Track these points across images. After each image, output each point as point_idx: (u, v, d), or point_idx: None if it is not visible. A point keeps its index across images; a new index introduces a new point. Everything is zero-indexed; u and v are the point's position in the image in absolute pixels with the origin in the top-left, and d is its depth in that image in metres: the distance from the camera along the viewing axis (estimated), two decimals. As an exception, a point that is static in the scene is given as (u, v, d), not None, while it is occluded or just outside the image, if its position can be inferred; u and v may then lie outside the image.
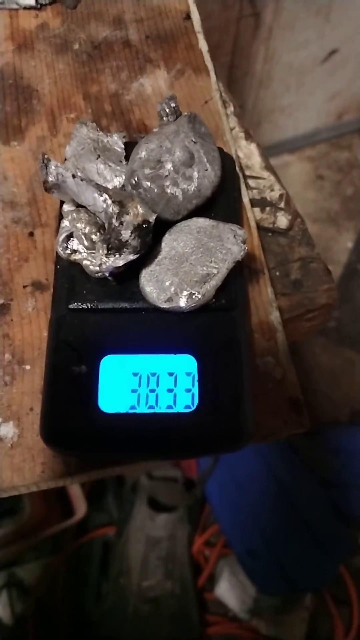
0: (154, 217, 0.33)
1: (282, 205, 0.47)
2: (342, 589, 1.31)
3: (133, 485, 1.33)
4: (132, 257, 0.33)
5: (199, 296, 0.34)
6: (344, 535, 1.28)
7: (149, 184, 0.34)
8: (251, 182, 0.48)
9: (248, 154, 0.49)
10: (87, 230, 0.34)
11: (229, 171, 0.40)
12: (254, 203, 0.47)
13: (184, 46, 0.49)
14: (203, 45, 0.49)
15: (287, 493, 1.25)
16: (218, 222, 0.36)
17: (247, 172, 0.48)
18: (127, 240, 0.32)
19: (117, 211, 0.32)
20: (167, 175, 0.35)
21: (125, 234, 0.32)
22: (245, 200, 0.44)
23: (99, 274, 0.34)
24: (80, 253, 0.34)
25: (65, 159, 0.38)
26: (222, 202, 0.39)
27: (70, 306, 0.35)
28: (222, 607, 1.29)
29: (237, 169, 0.44)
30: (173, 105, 0.37)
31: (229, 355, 0.34)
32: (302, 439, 1.40)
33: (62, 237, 0.35)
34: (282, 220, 0.47)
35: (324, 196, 1.65)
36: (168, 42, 0.49)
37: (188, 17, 0.51)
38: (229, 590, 1.27)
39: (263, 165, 0.49)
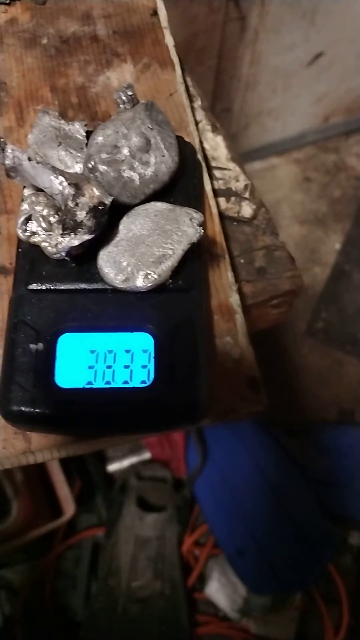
0: (110, 200, 0.35)
1: (246, 195, 0.49)
2: (332, 588, 1.31)
3: (122, 485, 1.33)
4: (87, 237, 0.34)
5: (155, 276, 0.35)
6: (332, 534, 1.29)
7: (105, 167, 0.36)
8: (217, 173, 0.49)
9: (214, 145, 0.50)
10: (45, 213, 0.35)
11: (190, 159, 0.42)
12: (219, 193, 0.49)
13: (151, 41, 0.50)
14: (169, 40, 0.50)
15: (276, 492, 1.25)
16: (175, 206, 0.38)
17: (213, 164, 0.50)
18: (82, 221, 0.33)
19: (73, 193, 0.34)
20: (123, 160, 0.36)
21: (81, 215, 0.33)
22: (208, 188, 0.45)
23: (57, 255, 0.35)
24: (39, 235, 0.35)
25: (28, 147, 0.39)
26: (181, 188, 0.40)
27: (30, 287, 0.36)
28: (212, 607, 1.29)
29: (200, 158, 0.46)
30: (130, 93, 0.38)
31: (184, 334, 0.35)
32: (291, 438, 1.41)
33: (21, 219, 0.36)
34: (247, 210, 0.48)
35: (312, 198, 1.66)
36: (135, 37, 0.50)
37: (155, 13, 0.52)
38: (219, 590, 1.27)
39: (229, 157, 0.50)
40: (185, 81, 0.51)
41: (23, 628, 1.21)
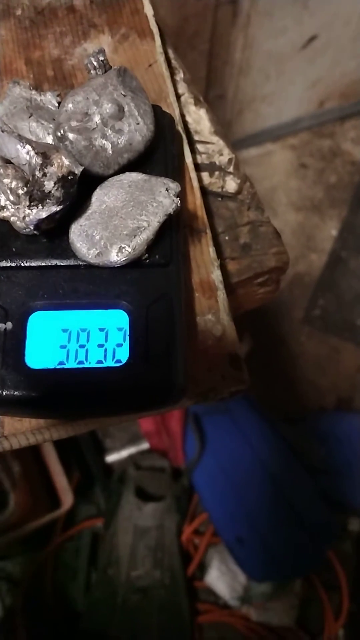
0: (80, 169, 0.32)
1: (231, 169, 0.46)
2: (332, 575, 1.31)
3: (120, 476, 1.32)
4: (55, 208, 0.32)
5: (129, 250, 0.33)
6: (331, 521, 1.28)
7: (75, 136, 0.33)
8: (200, 147, 0.47)
9: (197, 119, 0.48)
10: (13, 186, 0.33)
11: (168, 129, 0.39)
12: (202, 167, 0.46)
13: (129, 11, 0.48)
14: (148, 9, 0.48)
15: (275, 480, 1.24)
16: (151, 176, 0.35)
17: (196, 137, 0.47)
18: (50, 192, 0.31)
19: (41, 162, 0.31)
20: (95, 128, 0.34)
21: (49, 185, 0.31)
22: (189, 160, 0.43)
23: (27, 230, 0.33)
24: (7, 209, 0.33)
25: (-2, 119, 0.37)
26: (159, 158, 0.38)
27: None
28: (213, 595, 1.29)
29: (181, 130, 0.43)
30: (101, 58, 0.36)
31: (162, 311, 0.33)
32: (289, 426, 1.39)
33: (-12, 193, 0.34)
34: (231, 184, 0.46)
35: (308, 184, 1.64)
36: (113, 7, 0.48)
37: (134, -18, 0.50)
38: (219, 578, 1.27)
39: (212, 130, 0.48)
40: (166, 52, 0.48)
41: (23, 619, 1.20)
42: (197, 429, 1.27)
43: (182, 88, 0.49)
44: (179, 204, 0.34)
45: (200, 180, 0.45)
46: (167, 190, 0.34)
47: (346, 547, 1.35)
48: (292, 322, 1.52)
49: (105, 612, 1.22)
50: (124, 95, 0.35)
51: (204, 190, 0.45)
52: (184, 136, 0.43)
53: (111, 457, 1.38)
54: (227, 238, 0.45)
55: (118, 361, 0.32)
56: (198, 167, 0.46)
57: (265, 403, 1.40)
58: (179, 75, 0.49)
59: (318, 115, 1.68)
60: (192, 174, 0.42)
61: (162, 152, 0.38)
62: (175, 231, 0.36)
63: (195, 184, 0.42)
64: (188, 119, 0.48)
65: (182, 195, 0.36)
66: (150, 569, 1.26)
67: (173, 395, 0.32)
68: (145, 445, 1.38)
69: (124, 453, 1.38)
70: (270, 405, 1.40)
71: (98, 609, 1.22)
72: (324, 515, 1.27)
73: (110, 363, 0.32)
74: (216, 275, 0.39)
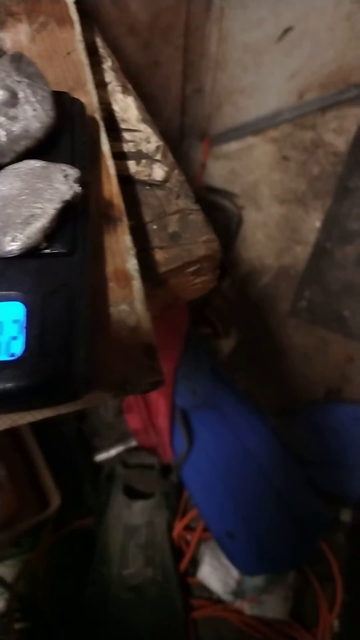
0: (-31, 158, 0.31)
1: (158, 157, 0.45)
2: (325, 566, 1.30)
3: (108, 474, 1.31)
4: None
5: (23, 238, 0.31)
6: (322, 513, 1.27)
7: None
8: (127, 135, 0.46)
9: (124, 107, 0.47)
10: None
11: (78, 116, 0.38)
12: (129, 156, 0.45)
13: (50, -1, 0.47)
14: (69, -3, 0.47)
15: (265, 473, 1.23)
16: (50, 163, 0.34)
17: (123, 125, 0.46)
18: None
19: None
20: (-15, 115, 0.33)
21: None
22: (106, 148, 0.41)
23: None
24: None
25: None
26: (64, 145, 0.36)
27: None
28: (206, 590, 1.27)
29: (98, 117, 0.42)
30: (-6, 43, 0.34)
31: (62, 302, 0.32)
32: (279, 419, 1.38)
33: None
34: (158, 172, 0.44)
35: (290, 177, 1.62)
36: (33, -4, 0.47)
37: (55, -31, 0.48)
38: (211, 573, 1.26)
39: (140, 118, 0.46)
40: (92, 41, 0.47)
41: (17, 621, 1.20)
42: (184, 425, 1.25)
43: (109, 76, 0.47)
44: (77, 190, 0.33)
45: (126, 168, 0.44)
46: (65, 176, 0.33)
47: (338, 537, 1.34)
48: (279, 315, 1.50)
49: (98, 611, 1.21)
50: (19, 82, 0.34)
51: (130, 179, 0.44)
52: (101, 124, 0.42)
53: (101, 456, 1.37)
54: (155, 227, 0.43)
55: (12, 355, 0.31)
56: (124, 156, 0.44)
57: (254, 396, 1.38)
58: (107, 64, 0.48)
59: (298, 107, 1.65)
60: (109, 161, 0.40)
61: (68, 140, 0.37)
62: (81, 219, 0.34)
63: (112, 171, 0.40)
64: (115, 107, 0.46)
65: (88, 181, 0.35)
66: (142, 566, 1.25)
67: (73, 388, 0.31)
68: (134, 443, 1.37)
69: (113, 452, 1.36)
70: (259, 398, 1.38)
71: (91, 607, 1.22)
72: (315, 506, 1.25)
73: (3, 357, 0.30)
74: (132, 264, 0.38)
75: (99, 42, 0.48)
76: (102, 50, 0.48)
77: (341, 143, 1.64)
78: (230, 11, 1.33)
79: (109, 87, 0.47)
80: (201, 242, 0.43)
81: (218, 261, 0.44)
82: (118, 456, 1.35)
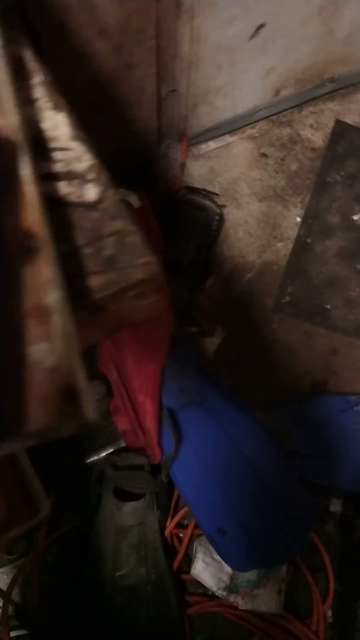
0: None
1: (91, 176, 0.39)
2: (316, 557, 1.27)
3: (98, 477, 1.26)
4: None
5: None
6: (312, 505, 1.22)
7: None
8: (57, 154, 0.39)
9: (54, 124, 0.40)
10: None
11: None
12: (60, 177, 0.38)
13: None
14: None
15: (253, 467, 1.18)
16: None
17: (53, 144, 0.40)
18: None
19: None
20: None
21: None
22: (24, 172, 0.35)
23: None
24: None
25: None
26: None
27: None
28: (201, 586, 1.24)
29: (21, 138, 0.35)
30: None
31: None
32: (266, 413, 1.33)
33: None
34: (91, 193, 0.38)
35: (269, 174, 1.55)
36: None
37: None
38: (205, 570, 1.22)
39: (71, 136, 0.40)
40: (20, 57, 0.40)
41: (13, 628, 1.16)
42: (171, 424, 1.20)
43: (38, 92, 0.41)
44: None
45: (56, 190, 0.37)
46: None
47: (329, 528, 1.31)
48: (263, 311, 1.44)
49: (93, 613, 1.17)
50: None
51: (60, 201, 0.37)
52: (22, 145, 0.35)
53: (91, 459, 1.31)
54: (89, 251, 0.37)
55: None
56: (54, 176, 0.38)
57: (241, 392, 1.33)
58: (36, 79, 0.41)
59: (275, 103, 1.58)
60: (28, 187, 0.34)
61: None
62: None
63: (32, 197, 0.34)
64: (43, 125, 0.40)
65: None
66: (135, 566, 1.21)
67: None
68: (123, 444, 1.32)
69: (102, 454, 1.31)
70: (246, 393, 1.33)
71: (86, 610, 1.17)
72: (304, 499, 1.21)
73: None
74: (52, 298, 0.31)
75: (27, 56, 0.41)
76: (31, 64, 0.41)
77: (318, 138, 1.57)
78: (201, 10, 1.25)
79: (38, 103, 0.40)
80: (139, 264, 0.37)
81: (159, 283, 0.38)
82: (108, 458, 1.30)
